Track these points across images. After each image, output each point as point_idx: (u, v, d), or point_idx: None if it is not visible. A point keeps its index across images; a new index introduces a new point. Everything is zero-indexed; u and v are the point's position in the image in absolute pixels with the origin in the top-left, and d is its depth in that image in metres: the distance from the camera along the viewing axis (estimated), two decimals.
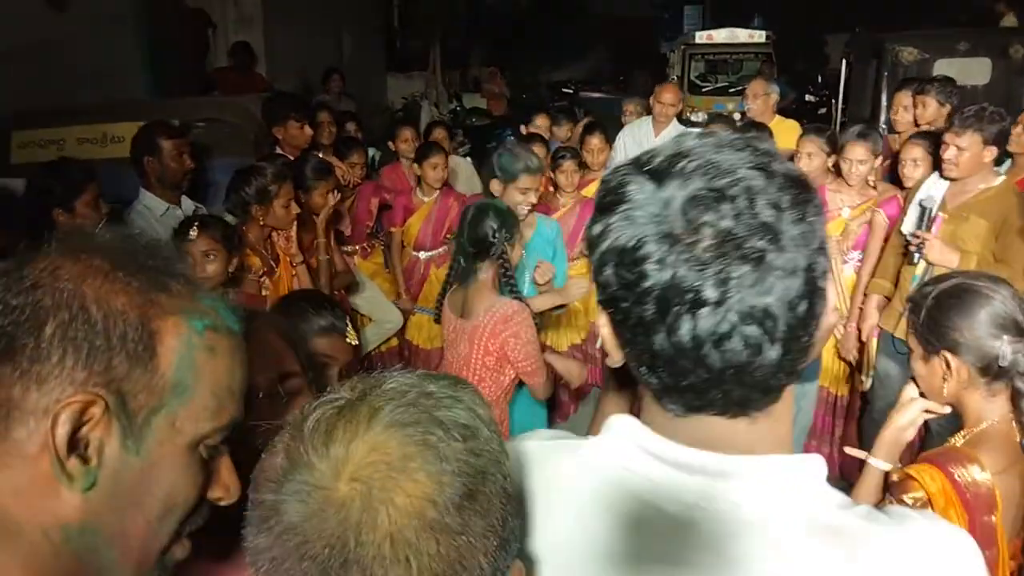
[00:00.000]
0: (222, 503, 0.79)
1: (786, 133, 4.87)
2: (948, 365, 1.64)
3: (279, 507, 0.63)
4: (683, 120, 9.26)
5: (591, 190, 4.43)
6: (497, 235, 2.76)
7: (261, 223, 3.17)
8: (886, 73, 5.95)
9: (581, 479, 0.80)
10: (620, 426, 0.80)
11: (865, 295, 3.67)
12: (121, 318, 0.69)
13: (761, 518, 0.72)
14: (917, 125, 4.23)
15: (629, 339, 0.73)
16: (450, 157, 4.96)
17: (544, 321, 3.71)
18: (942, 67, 5.49)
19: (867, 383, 3.66)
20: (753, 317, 0.67)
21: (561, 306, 3.45)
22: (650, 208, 0.69)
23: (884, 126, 5.20)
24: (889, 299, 3.51)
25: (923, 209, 3.26)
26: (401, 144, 5.08)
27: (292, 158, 3.85)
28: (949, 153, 3.19)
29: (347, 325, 1.96)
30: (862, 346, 3.73)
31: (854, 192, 3.80)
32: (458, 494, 0.62)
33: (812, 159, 3.95)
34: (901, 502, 1.55)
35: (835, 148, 3.85)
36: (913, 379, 1.75)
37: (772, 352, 0.68)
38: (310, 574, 0.61)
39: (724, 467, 0.73)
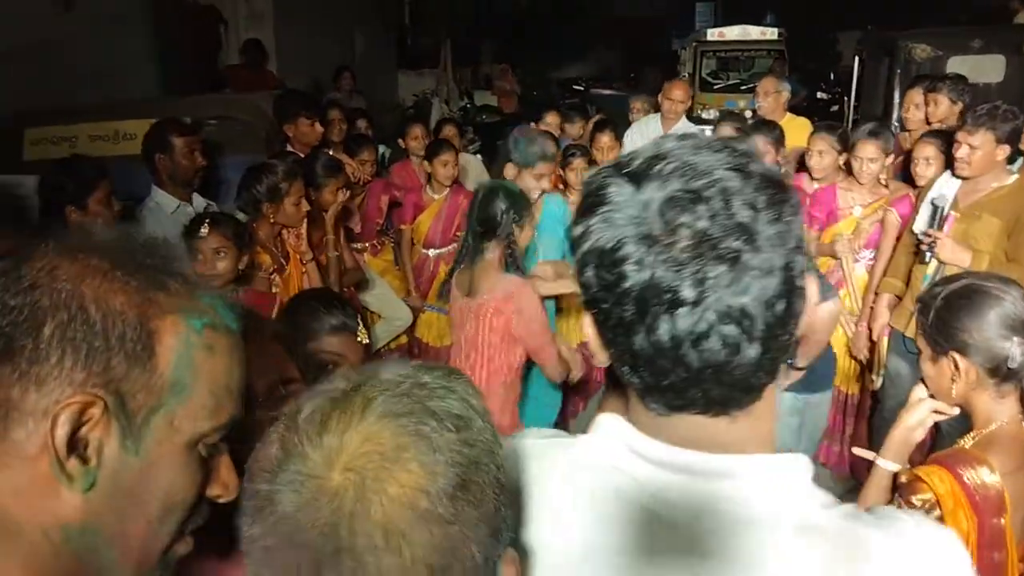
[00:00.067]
0: (221, 500, 0.79)
1: (797, 131, 4.84)
2: (957, 366, 1.63)
3: (273, 497, 0.63)
4: (694, 117, 9.22)
5: None
6: (505, 216, 2.78)
7: (272, 221, 3.19)
8: (899, 71, 5.90)
9: (573, 476, 0.81)
10: (608, 425, 0.81)
11: (876, 294, 3.65)
12: (120, 318, 0.69)
13: (745, 517, 0.73)
14: (929, 123, 4.20)
15: (611, 339, 0.74)
16: (460, 154, 4.96)
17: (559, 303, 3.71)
18: (955, 65, 5.43)
19: (878, 382, 3.65)
20: (730, 316, 0.67)
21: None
22: (629, 210, 0.70)
23: (896, 124, 5.17)
24: (900, 298, 3.50)
25: (935, 208, 3.24)
26: (411, 141, 5.08)
27: (303, 155, 3.86)
28: (961, 151, 3.17)
29: (358, 324, 1.97)
30: (873, 345, 3.71)
31: (865, 190, 3.78)
32: (451, 484, 0.63)
33: (823, 157, 3.93)
34: (910, 504, 1.54)
35: (846, 146, 3.84)
36: (922, 379, 1.74)
37: (751, 351, 0.69)
38: (302, 563, 0.62)
39: (707, 466, 0.74)
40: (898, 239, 3.58)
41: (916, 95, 4.32)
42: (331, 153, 4.11)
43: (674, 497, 0.74)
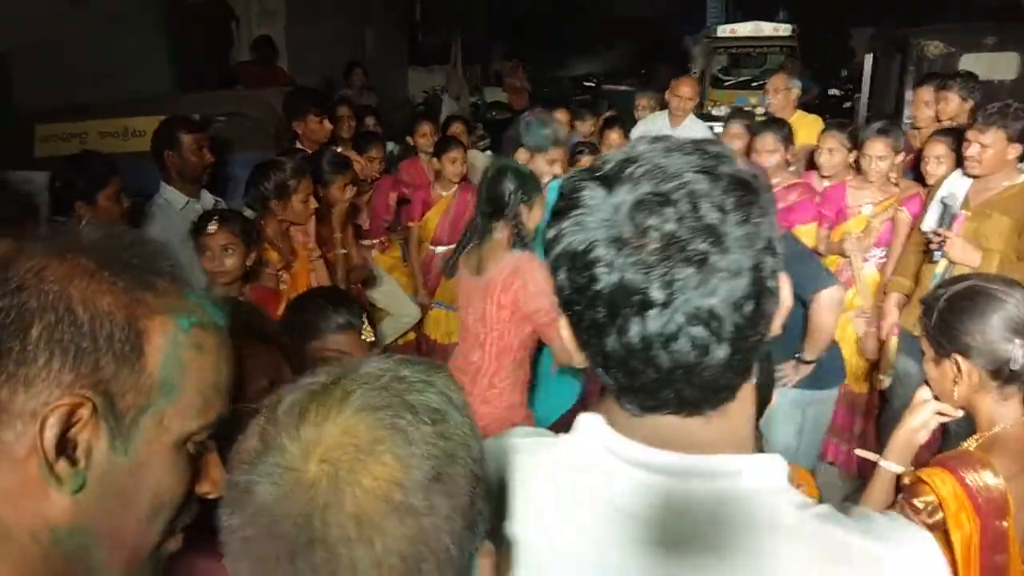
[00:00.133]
0: (210, 497, 0.79)
1: (808, 128, 4.82)
2: (959, 368, 1.62)
3: (251, 488, 0.64)
4: (705, 114, 9.17)
5: None
6: (513, 196, 2.78)
7: (279, 218, 3.20)
8: (911, 68, 5.88)
9: (555, 476, 0.82)
10: (586, 425, 0.82)
11: (885, 293, 3.64)
12: (108, 319, 0.69)
13: (719, 517, 0.73)
14: (939, 121, 4.18)
15: (585, 341, 0.75)
16: (468, 151, 4.96)
17: None
18: (969, 62, 5.41)
19: (886, 381, 3.63)
20: (699, 318, 0.68)
21: None
22: (600, 213, 0.70)
23: (908, 121, 5.14)
24: (909, 297, 3.48)
25: (944, 207, 3.22)
26: (419, 138, 5.08)
27: (311, 152, 3.87)
28: (972, 150, 3.14)
29: (363, 322, 1.98)
30: (882, 344, 3.69)
31: (875, 189, 3.76)
32: (426, 476, 0.64)
33: (833, 154, 3.92)
34: (912, 506, 1.53)
35: (856, 144, 3.82)
36: (926, 381, 1.73)
37: (720, 352, 0.69)
38: (278, 553, 0.62)
39: (681, 466, 0.75)
40: (908, 238, 3.56)
41: (926, 93, 4.30)
42: (340, 150, 4.12)
43: (649, 497, 0.75)
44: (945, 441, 2.31)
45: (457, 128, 5.49)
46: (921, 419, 1.70)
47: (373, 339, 2.01)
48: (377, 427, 0.64)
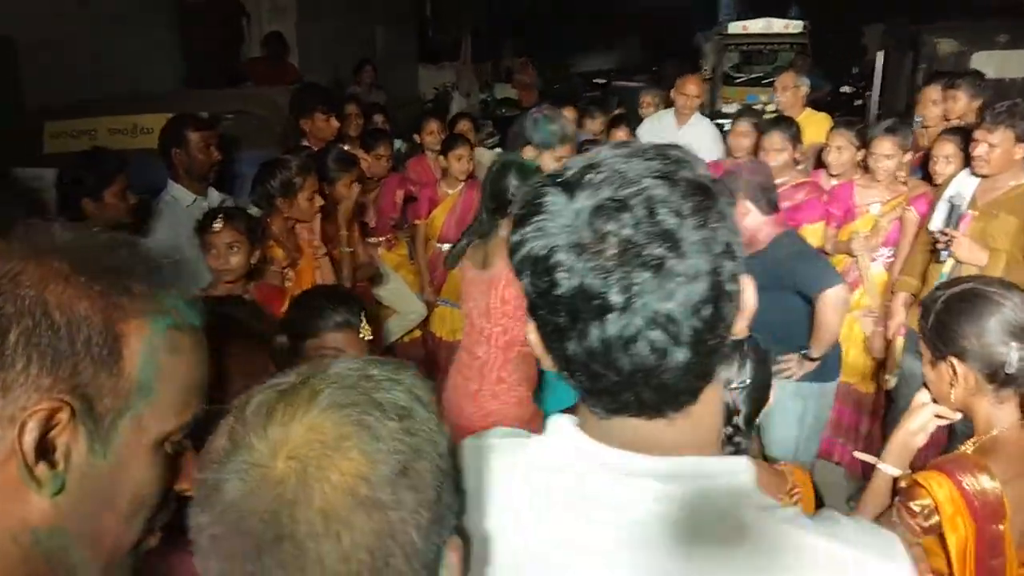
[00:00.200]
0: (188, 494, 0.80)
1: (816, 126, 4.80)
2: (955, 371, 1.61)
3: (220, 485, 0.65)
4: (715, 111, 9.12)
5: None
6: (516, 192, 2.78)
7: (285, 215, 3.21)
8: (923, 65, 5.84)
9: (530, 476, 0.83)
10: (557, 426, 0.83)
11: (892, 292, 3.62)
12: (85, 323, 0.70)
13: (680, 519, 0.74)
14: (947, 119, 4.15)
15: (549, 344, 0.76)
16: (476, 149, 4.95)
17: None
18: (980, 59, 5.37)
19: (891, 381, 3.61)
20: (656, 322, 0.69)
21: None
22: (561, 219, 0.72)
23: (919, 119, 5.11)
24: (917, 297, 3.46)
25: (952, 206, 3.20)
26: (427, 136, 5.08)
27: (317, 150, 3.88)
28: (980, 149, 3.13)
29: (362, 321, 1.99)
30: (889, 344, 3.68)
31: (883, 187, 3.74)
32: (392, 471, 0.65)
33: (841, 153, 3.91)
34: (908, 509, 1.53)
35: (865, 142, 3.80)
36: (925, 383, 1.73)
37: (679, 355, 0.70)
38: (246, 550, 0.63)
39: (644, 468, 0.75)
40: (916, 237, 3.54)
41: (934, 91, 4.27)
42: (347, 148, 4.12)
43: (614, 499, 0.76)
44: (951, 442, 2.30)
45: (464, 125, 5.49)
46: (919, 422, 1.69)
47: (371, 337, 2.02)
48: (344, 424, 0.65)
